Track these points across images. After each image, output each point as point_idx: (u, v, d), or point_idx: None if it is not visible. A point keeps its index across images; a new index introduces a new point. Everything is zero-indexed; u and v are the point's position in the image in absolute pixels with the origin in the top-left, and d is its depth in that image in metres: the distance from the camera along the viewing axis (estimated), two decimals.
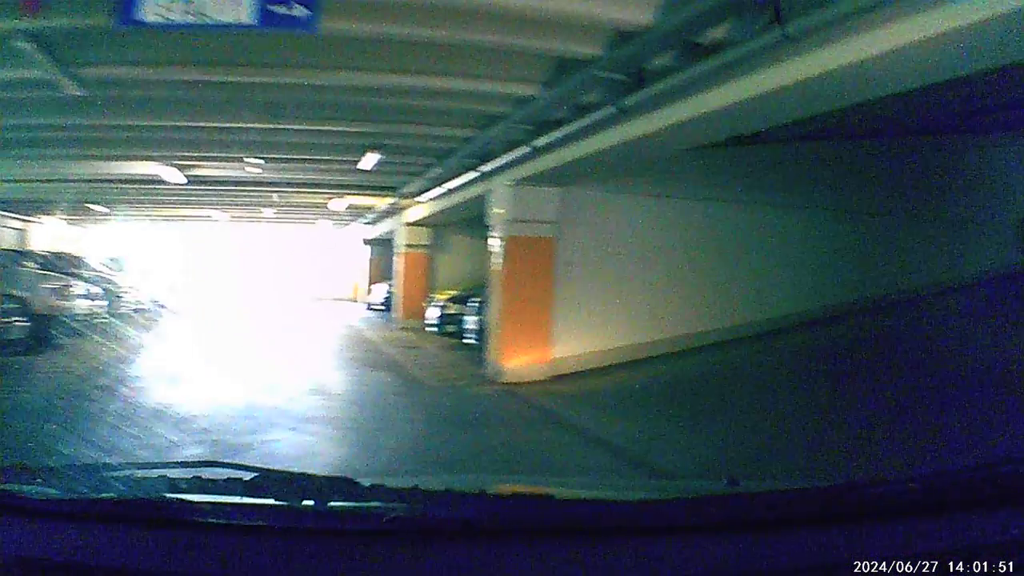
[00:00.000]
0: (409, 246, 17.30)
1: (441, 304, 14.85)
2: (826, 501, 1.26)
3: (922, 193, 14.52)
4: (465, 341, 12.74)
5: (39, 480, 1.36)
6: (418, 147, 9.43)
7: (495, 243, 9.89)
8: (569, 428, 6.95)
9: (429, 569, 1.13)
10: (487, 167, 9.02)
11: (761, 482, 1.59)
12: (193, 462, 1.43)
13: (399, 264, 17.70)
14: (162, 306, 16.89)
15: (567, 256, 9.73)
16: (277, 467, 1.39)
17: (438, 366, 10.82)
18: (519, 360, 9.36)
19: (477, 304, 12.32)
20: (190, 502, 1.26)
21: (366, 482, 1.29)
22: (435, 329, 14.73)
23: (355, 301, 26.09)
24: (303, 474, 1.34)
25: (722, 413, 7.40)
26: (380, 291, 21.40)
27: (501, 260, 9.69)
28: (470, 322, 12.72)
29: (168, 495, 1.28)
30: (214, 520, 1.22)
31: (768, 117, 5.94)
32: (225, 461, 1.39)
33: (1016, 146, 16.56)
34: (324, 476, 1.32)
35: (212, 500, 1.28)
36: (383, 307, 20.34)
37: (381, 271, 22.56)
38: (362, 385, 9.69)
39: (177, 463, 1.44)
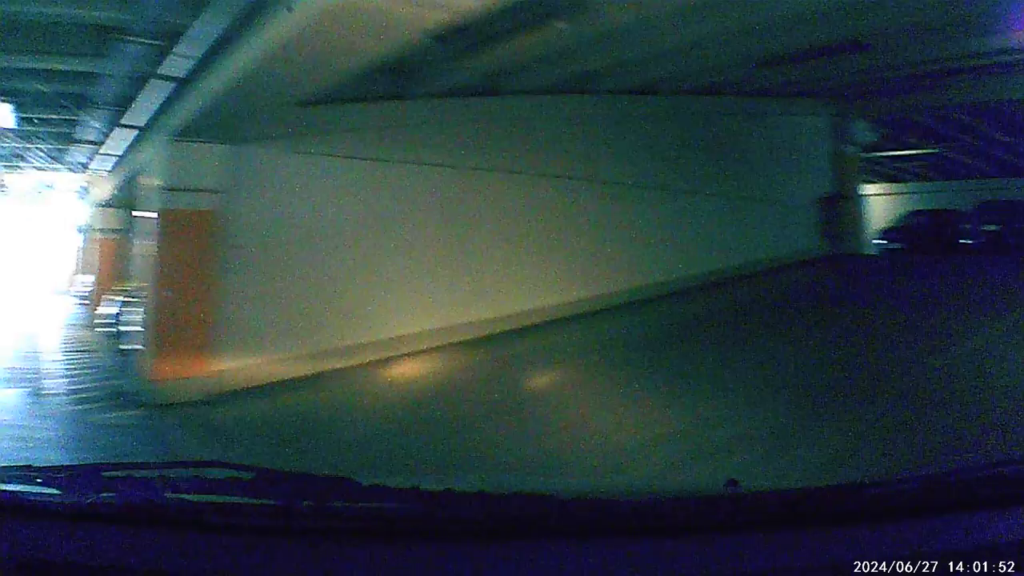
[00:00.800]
0: (100, 230, 14.97)
1: (114, 300, 12.02)
2: (826, 501, 1.26)
3: (716, 166, 13.17)
4: (127, 346, 9.73)
5: (39, 480, 1.36)
6: (30, 91, 7.63)
7: (146, 219, 7.74)
8: None
9: (429, 569, 1.13)
10: (135, 120, 7.54)
11: (761, 482, 1.59)
12: (193, 462, 1.43)
13: (93, 251, 15.25)
14: None
15: (239, 235, 7.57)
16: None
17: (83, 379, 8.65)
18: (176, 371, 7.22)
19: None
20: (190, 502, 1.26)
21: (366, 482, 1.29)
22: (108, 329, 11.59)
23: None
24: (303, 474, 1.34)
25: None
26: (85, 282, 17.45)
27: (154, 241, 7.52)
28: (133, 322, 9.52)
29: (168, 495, 1.28)
30: (214, 520, 1.22)
31: None
32: (225, 461, 1.39)
33: (816, 117, 15.88)
34: (324, 476, 1.32)
35: (212, 500, 1.28)
36: (85, 301, 16.76)
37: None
38: None
39: (177, 463, 1.44)
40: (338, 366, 8.06)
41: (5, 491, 1.28)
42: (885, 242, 18.88)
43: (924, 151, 20.60)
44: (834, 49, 9.50)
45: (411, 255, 8.98)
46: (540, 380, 8.04)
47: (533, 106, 9.88)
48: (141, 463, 1.49)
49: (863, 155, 18.21)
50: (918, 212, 20.43)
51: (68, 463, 1.53)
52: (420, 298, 8.97)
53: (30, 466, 1.38)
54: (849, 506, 1.23)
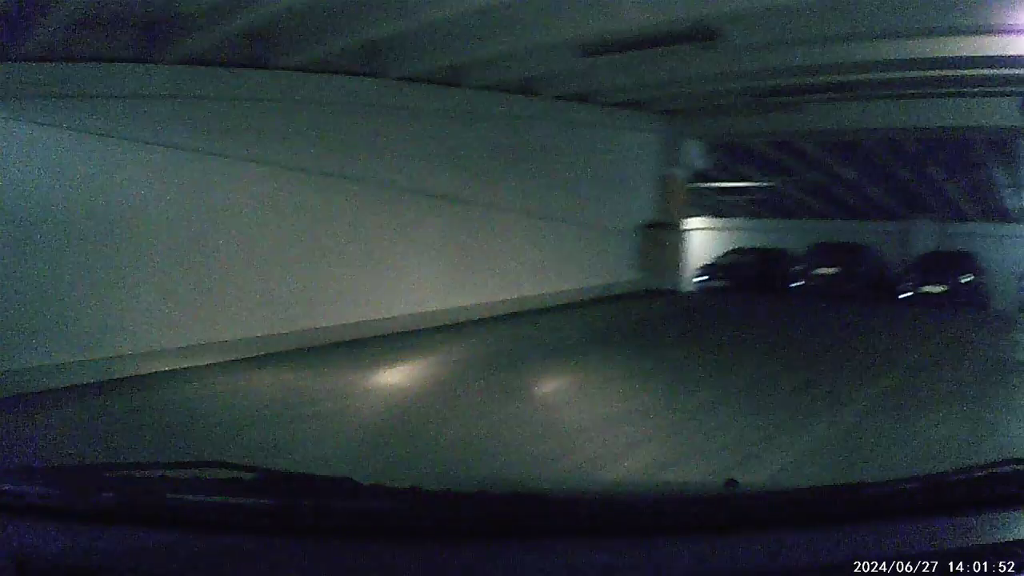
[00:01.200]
0: None
1: None
2: (826, 501, 1.26)
3: (526, 179, 11.40)
4: None
5: (39, 480, 1.36)
6: None
7: None
8: None
9: (429, 569, 1.13)
10: None
11: (761, 482, 1.59)
12: (193, 462, 1.43)
13: None
14: None
15: None
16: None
17: None
18: None
19: None
20: (190, 502, 1.26)
21: (366, 482, 1.29)
22: None
23: None
24: (303, 474, 1.34)
25: None
26: None
27: None
28: None
29: (168, 495, 1.28)
30: (214, 520, 1.23)
31: None
32: (225, 461, 1.39)
33: (646, 134, 13.85)
34: (324, 476, 1.32)
35: (212, 500, 1.28)
36: None
37: None
38: None
39: (177, 463, 1.44)
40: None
41: (5, 491, 1.28)
42: (706, 278, 17.55)
43: (762, 184, 19.02)
44: (674, 37, 8.04)
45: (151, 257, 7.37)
46: None
47: (292, 82, 8.42)
48: (141, 463, 1.49)
49: (695, 183, 16.32)
50: (747, 250, 19.22)
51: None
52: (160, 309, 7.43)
53: (30, 466, 1.38)
54: (849, 506, 1.23)
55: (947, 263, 16.41)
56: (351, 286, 9.26)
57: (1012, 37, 7.96)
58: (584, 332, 10.56)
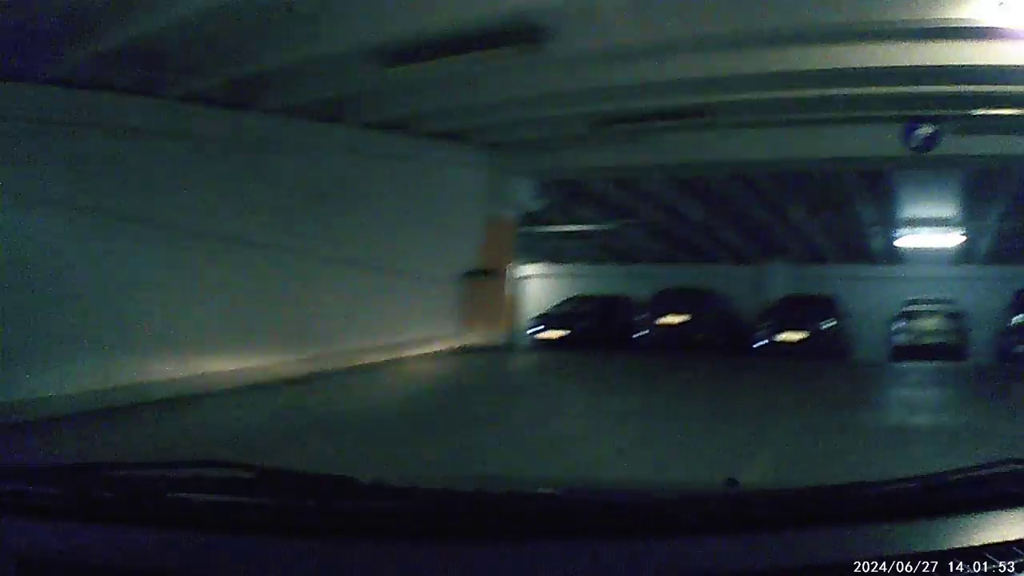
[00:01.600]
0: None
1: None
2: (826, 501, 1.26)
3: (331, 221, 9.79)
4: None
5: (39, 480, 1.36)
6: None
7: None
8: None
9: (429, 569, 1.13)
10: None
11: (761, 482, 1.59)
12: (193, 462, 1.43)
13: None
14: None
15: None
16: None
17: None
18: None
19: None
20: (190, 502, 1.26)
21: (366, 482, 1.29)
22: None
23: None
24: (303, 473, 1.34)
25: None
26: None
27: None
28: None
29: (168, 494, 1.28)
30: (214, 519, 1.23)
31: None
32: (225, 461, 1.39)
33: (470, 170, 12.00)
34: (324, 475, 1.32)
35: (212, 500, 1.28)
36: None
37: None
38: None
39: (177, 463, 1.45)
40: None
41: (5, 491, 1.28)
42: (541, 328, 15.61)
43: (603, 227, 17.30)
44: (491, 37, 6.74)
45: None
46: None
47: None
48: (141, 462, 1.50)
49: (528, 226, 14.86)
50: (587, 298, 17.24)
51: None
52: None
53: (30, 465, 1.38)
54: (849, 506, 1.23)
55: (807, 308, 15.07)
56: (95, 342, 7.43)
57: (904, 44, 6.76)
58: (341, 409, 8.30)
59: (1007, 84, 7.51)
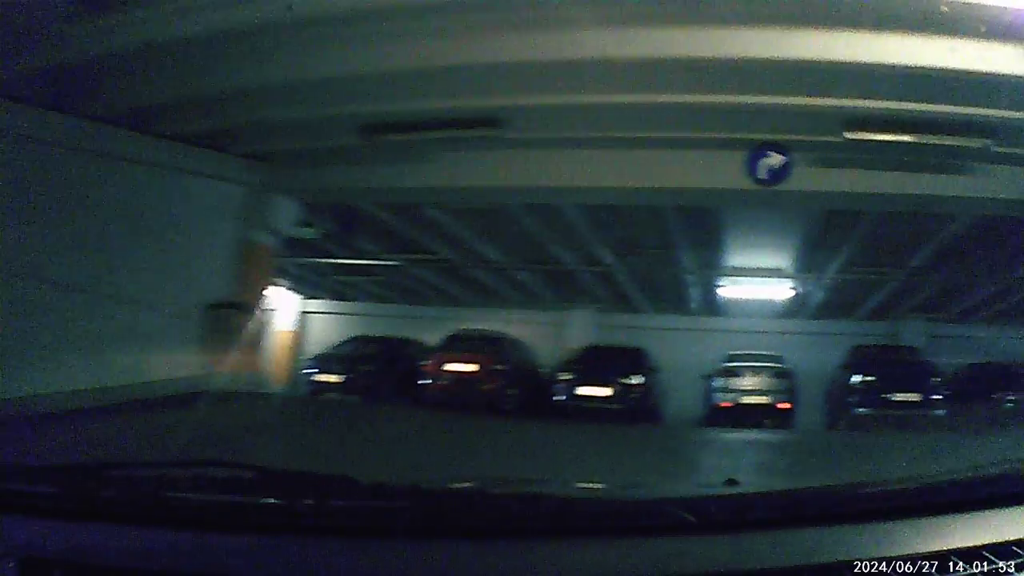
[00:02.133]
0: None
1: None
2: (826, 501, 1.26)
3: (45, 237, 7.70)
4: None
5: (40, 480, 1.36)
6: None
7: None
8: None
9: (429, 569, 1.13)
10: None
11: (761, 482, 1.59)
12: (193, 462, 1.43)
13: None
14: None
15: None
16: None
17: None
18: None
19: None
20: (190, 501, 1.26)
21: (366, 481, 1.29)
22: None
23: None
24: (303, 473, 1.34)
25: None
26: None
27: None
28: None
29: (168, 494, 1.28)
30: (214, 519, 1.23)
31: None
32: (225, 461, 1.39)
33: (224, 184, 9.98)
34: (324, 475, 1.32)
35: (212, 499, 1.28)
36: None
37: None
38: None
39: (177, 463, 1.45)
40: None
41: (5, 491, 1.28)
42: (316, 371, 13.87)
43: (386, 262, 15.23)
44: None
45: None
46: None
47: None
48: (142, 462, 1.50)
49: (304, 257, 13.07)
50: (370, 339, 15.28)
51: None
52: None
53: (30, 466, 1.38)
54: (849, 506, 1.23)
55: (613, 361, 13.49)
56: None
57: (749, 32, 4.90)
58: None
59: (886, 99, 5.82)
